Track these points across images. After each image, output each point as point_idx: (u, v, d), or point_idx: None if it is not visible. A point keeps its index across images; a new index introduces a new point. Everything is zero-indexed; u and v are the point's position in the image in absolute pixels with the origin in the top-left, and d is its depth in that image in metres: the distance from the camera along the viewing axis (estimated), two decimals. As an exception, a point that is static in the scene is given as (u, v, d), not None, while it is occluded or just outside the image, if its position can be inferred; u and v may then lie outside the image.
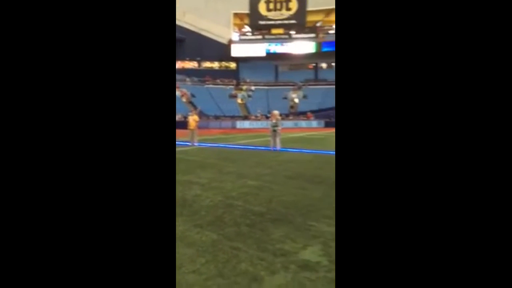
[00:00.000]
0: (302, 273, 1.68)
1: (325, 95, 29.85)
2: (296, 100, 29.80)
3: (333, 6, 29.51)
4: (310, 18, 30.23)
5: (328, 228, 2.36)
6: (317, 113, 26.61)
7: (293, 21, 30.23)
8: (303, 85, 31.73)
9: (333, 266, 1.75)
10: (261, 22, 30.87)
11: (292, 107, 29.11)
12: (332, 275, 1.65)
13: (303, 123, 24.28)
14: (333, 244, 2.06)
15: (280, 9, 30.38)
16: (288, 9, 30.07)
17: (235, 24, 31.70)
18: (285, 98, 30.13)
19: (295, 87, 31.64)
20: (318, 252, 1.94)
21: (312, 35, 31.16)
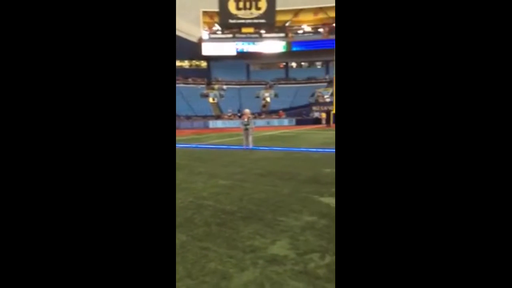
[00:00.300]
0: (270, 267, 1.72)
1: (296, 93, 30.54)
2: (268, 99, 30.13)
3: (301, 6, 30.31)
4: (279, 17, 30.68)
5: (296, 222, 2.44)
6: (289, 111, 27.14)
7: (262, 21, 30.46)
8: (274, 84, 32.17)
9: (300, 258, 1.82)
10: (231, 21, 30.71)
11: (264, 105, 29.39)
12: (299, 267, 1.72)
13: (275, 122, 24.62)
14: (300, 237, 2.14)
15: (249, 8, 30.45)
16: (258, 8, 30.24)
17: (205, 23, 31.21)
18: (258, 97, 30.33)
19: (267, 86, 31.98)
20: (286, 246, 2.00)
21: (282, 34, 31.66)
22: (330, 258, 1.80)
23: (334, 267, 1.70)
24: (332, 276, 1.61)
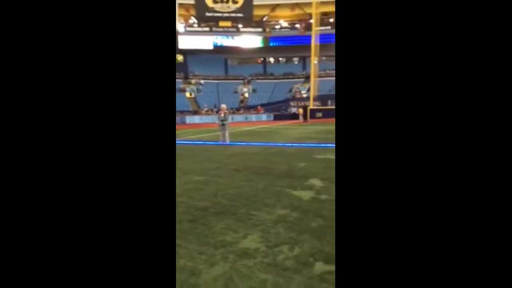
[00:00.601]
0: (240, 261, 1.74)
1: (274, 89, 30.70)
2: (246, 94, 30.04)
3: (278, 1, 30.32)
4: (257, 12, 30.50)
5: (269, 216, 2.48)
6: (267, 107, 27.27)
7: (240, 14, 30.14)
8: (252, 79, 32.10)
9: (270, 251, 1.86)
10: (208, 14, 30.06)
11: (242, 101, 29.28)
12: (269, 259, 1.75)
13: (253, 117, 24.65)
14: (271, 230, 2.18)
15: (226, 2, 29.95)
16: (235, 2, 29.84)
17: (180, 15, 30.25)
18: (236, 92, 30.14)
19: (245, 81, 31.84)
20: (257, 239, 2.03)
21: (259, 29, 31.56)
22: (298, 249, 1.86)
23: (302, 258, 1.76)
24: (300, 266, 1.66)
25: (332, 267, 1.64)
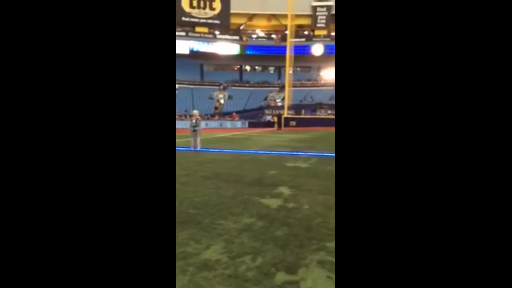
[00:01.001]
0: (199, 273, 1.67)
1: (249, 96, 30.94)
2: (222, 101, 29.93)
3: (255, 12, 30.93)
4: (234, 20, 30.82)
5: (234, 225, 2.42)
6: (242, 114, 27.35)
7: (217, 21, 30.23)
8: (228, 85, 32.12)
9: (232, 262, 1.80)
10: (184, 19, 29.78)
11: (216, 107, 29.10)
12: (230, 271, 1.70)
13: (228, 124, 24.56)
14: (235, 240, 2.13)
15: (204, 8, 29.94)
16: (212, 8, 29.93)
17: (155, 17, 29.58)
18: (211, 98, 29.90)
19: (221, 87, 31.76)
20: (220, 250, 1.96)
21: (236, 37, 31.84)
22: (261, 259, 1.82)
23: (264, 268, 1.73)
24: (261, 277, 1.63)
25: (293, 277, 1.63)
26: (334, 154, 7.13)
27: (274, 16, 31.05)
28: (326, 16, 30.23)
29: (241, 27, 32.06)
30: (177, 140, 10.70)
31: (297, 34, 30.08)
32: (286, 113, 23.94)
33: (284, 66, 25.63)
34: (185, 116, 24.03)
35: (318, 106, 28.30)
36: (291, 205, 3.01)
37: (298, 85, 31.14)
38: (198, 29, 30.49)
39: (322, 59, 31.85)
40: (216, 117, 26.11)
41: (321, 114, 26.78)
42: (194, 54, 30.93)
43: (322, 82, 33.04)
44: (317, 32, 31.45)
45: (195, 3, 29.82)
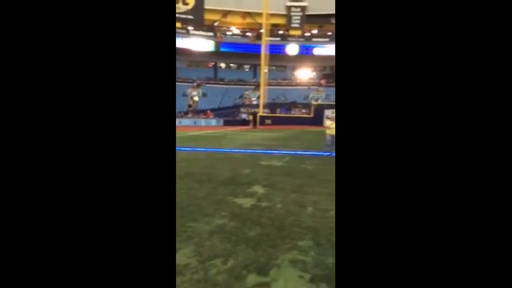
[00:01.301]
0: (166, 280, 1.57)
1: (224, 94, 30.63)
2: (196, 98, 29.33)
3: (230, 8, 30.60)
4: (208, 16, 30.22)
5: (206, 227, 2.34)
6: (217, 112, 27.00)
7: (190, 17, 29.45)
8: (202, 83, 31.53)
9: (201, 266, 1.73)
10: (156, 12, 28.60)
11: (190, 105, 28.45)
12: (199, 275, 1.63)
13: (202, 122, 24.12)
14: (206, 242, 2.05)
15: (177, 2, 28.98)
16: (185, 3, 29.09)
17: (124, 9, 28.14)
18: (185, 95, 29.16)
19: (195, 84, 31.08)
20: (189, 254, 1.88)
21: (211, 33, 31.29)
22: (232, 262, 1.77)
23: (235, 271, 1.67)
24: (231, 280, 1.58)
25: (264, 279, 1.60)
26: (307, 153, 7.28)
27: (249, 14, 30.94)
28: (301, 16, 30.73)
29: (216, 24, 31.56)
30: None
31: (272, 33, 30.25)
32: (261, 112, 24.03)
33: (260, 65, 25.66)
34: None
35: (293, 105, 28.78)
36: (264, 204, 2.99)
37: (273, 83, 31.39)
38: (170, 23, 29.49)
39: (297, 58, 32.39)
40: (190, 115, 25.51)
41: (295, 113, 27.26)
42: (166, 50, 29.89)
43: (297, 81, 33.66)
44: (291, 32, 31.89)
45: (167, -3, 28.78)
